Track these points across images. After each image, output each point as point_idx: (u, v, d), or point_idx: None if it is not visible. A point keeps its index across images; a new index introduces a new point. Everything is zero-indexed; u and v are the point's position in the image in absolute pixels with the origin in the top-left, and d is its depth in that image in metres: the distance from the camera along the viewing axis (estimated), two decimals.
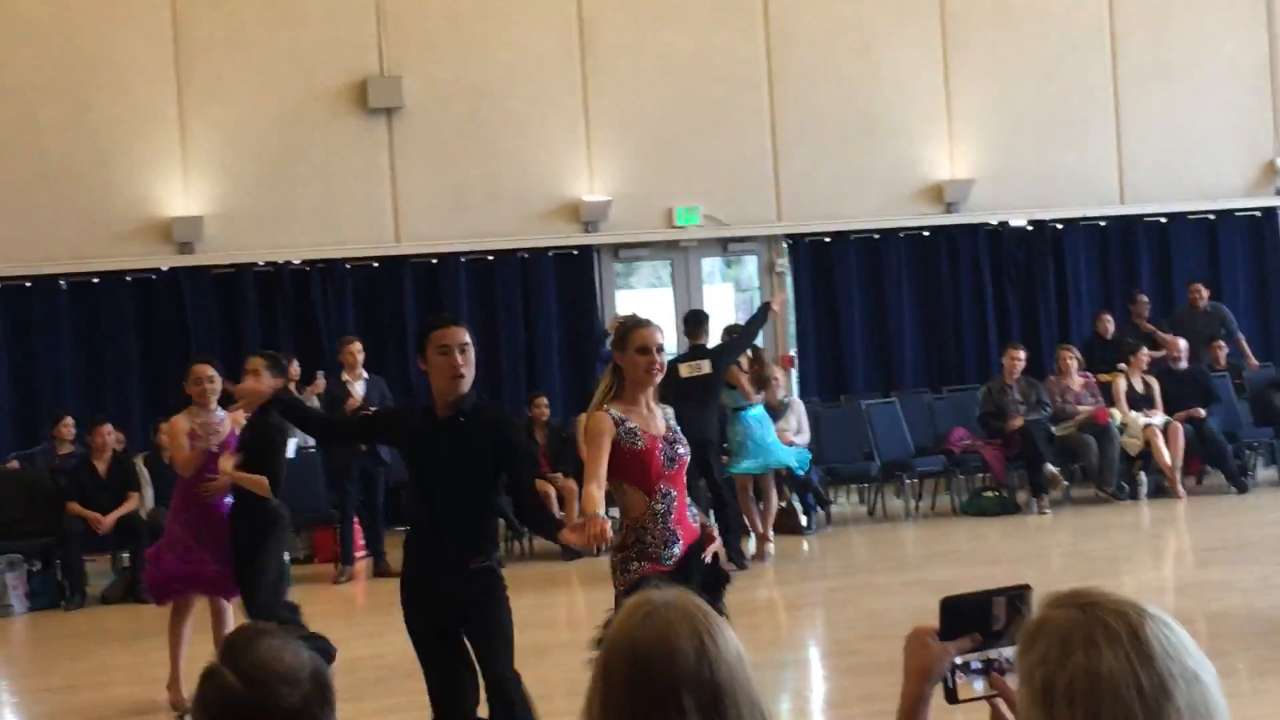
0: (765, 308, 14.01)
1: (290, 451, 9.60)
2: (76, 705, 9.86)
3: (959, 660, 2.69)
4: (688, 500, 6.71)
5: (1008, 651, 2.65)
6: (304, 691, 2.53)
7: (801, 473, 14.59)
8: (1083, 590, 2.30)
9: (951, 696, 2.70)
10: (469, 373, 6.43)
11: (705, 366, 13.43)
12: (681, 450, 6.63)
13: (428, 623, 6.47)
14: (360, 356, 14.69)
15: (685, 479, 6.70)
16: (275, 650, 2.56)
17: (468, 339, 6.48)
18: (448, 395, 6.43)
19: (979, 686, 2.68)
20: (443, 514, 6.41)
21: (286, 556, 10.47)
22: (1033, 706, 2.23)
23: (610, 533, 6.09)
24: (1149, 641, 2.19)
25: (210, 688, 2.55)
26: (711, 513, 13.35)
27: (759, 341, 15.15)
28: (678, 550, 6.48)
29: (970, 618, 2.70)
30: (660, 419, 6.63)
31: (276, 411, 8.09)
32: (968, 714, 2.81)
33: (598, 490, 6.26)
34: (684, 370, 13.33)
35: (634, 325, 6.71)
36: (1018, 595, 2.72)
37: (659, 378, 6.62)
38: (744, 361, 14.20)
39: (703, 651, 2.34)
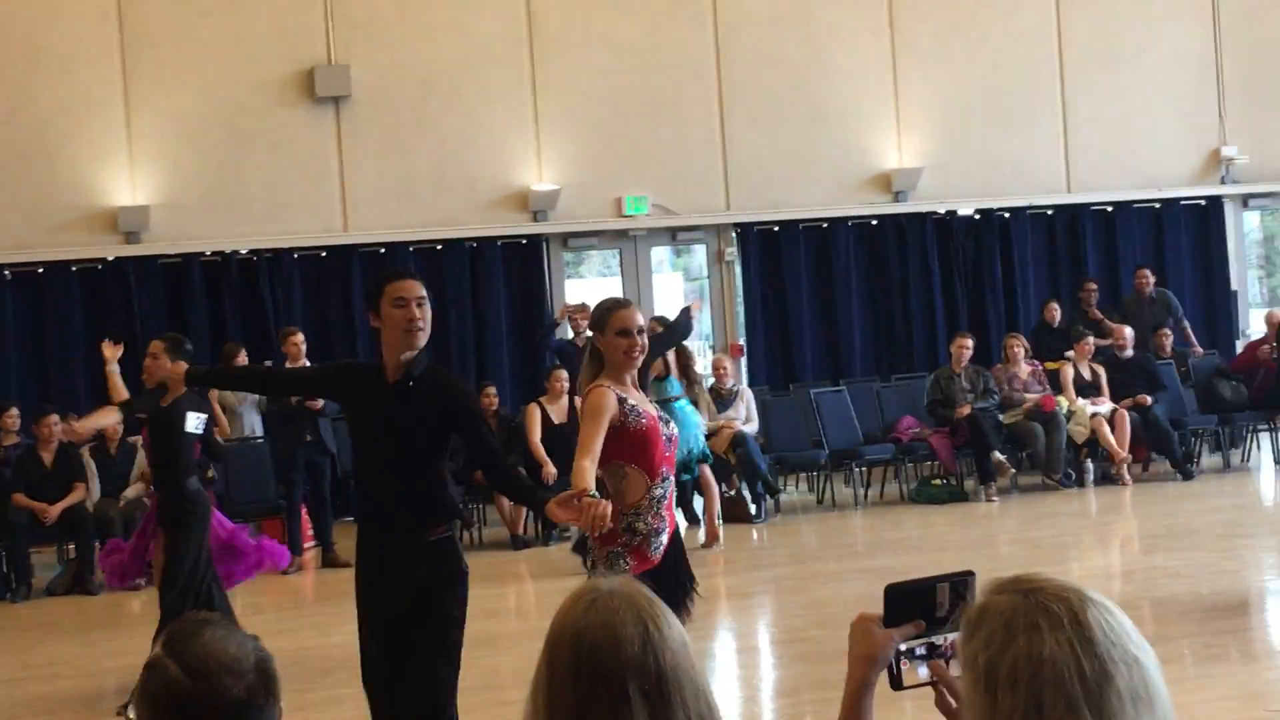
0: (686, 312, 13.93)
1: (193, 426, 9.24)
2: (23, 698, 9.79)
3: (903, 647, 2.70)
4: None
5: (952, 637, 2.67)
6: (248, 682, 2.52)
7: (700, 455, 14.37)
8: (1025, 576, 2.31)
9: (896, 683, 2.71)
10: (426, 328, 6.08)
11: None
12: (675, 430, 6.38)
13: (379, 612, 6.03)
14: (303, 347, 14.63)
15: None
16: (219, 640, 2.55)
17: (424, 293, 6.14)
18: (401, 351, 6.03)
19: (923, 673, 2.70)
20: (390, 484, 6.02)
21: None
22: (975, 692, 2.25)
23: (609, 518, 5.65)
24: (1090, 626, 2.21)
25: (154, 679, 2.54)
26: None
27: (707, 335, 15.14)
28: (664, 539, 6.22)
29: (914, 604, 2.71)
30: (648, 400, 6.36)
31: (196, 389, 7.79)
32: (913, 700, 2.83)
33: (590, 465, 5.89)
34: None
35: (612, 307, 6.37)
36: (961, 581, 2.74)
37: (640, 360, 6.28)
38: (670, 356, 14.15)
39: (647, 639, 2.34)
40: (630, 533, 6.13)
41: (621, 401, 6.12)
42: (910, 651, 2.70)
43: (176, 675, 2.51)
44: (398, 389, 6.03)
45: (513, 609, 12.48)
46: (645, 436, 6.14)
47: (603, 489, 6.14)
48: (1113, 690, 2.18)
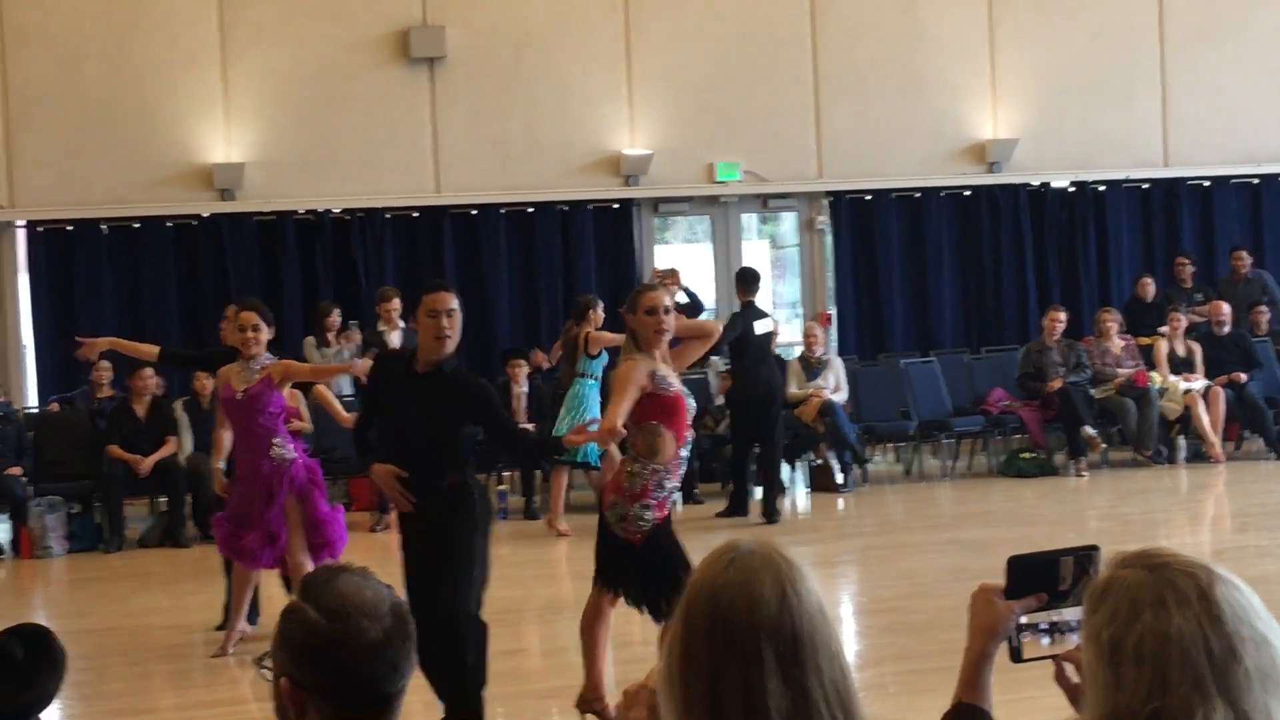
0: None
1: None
2: (115, 647, 9.94)
3: (1024, 620, 2.68)
4: None
5: (1072, 612, 2.65)
6: (385, 625, 2.55)
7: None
8: (1151, 551, 2.29)
9: (1016, 655, 2.70)
10: (454, 336, 7.07)
11: (770, 324, 13.94)
12: (694, 404, 7.21)
13: (407, 553, 7.15)
14: (397, 310, 14.83)
15: None
16: (355, 585, 2.59)
17: (455, 305, 7.09)
18: (431, 355, 7.06)
19: (1045, 644, 2.68)
20: (416, 453, 7.04)
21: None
22: (1099, 666, 2.22)
23: (618, 430, 6.72)
24: (1218, 603, 2.18)
25: (291, 624, 2.56)
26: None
27: (799, 299, 15.11)
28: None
29: (1037, 577, 2.69)
30: (675, 375, 7.07)
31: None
32: (1031, 673, 2.79)
33: (622, 416, 6.80)
34: (759, 328, 13.61)
35: (642, 290, 7.25)
36: (1085, 555, 2.71)
37: (669, 336, 7.04)
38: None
39: (784, 601, 2.31)
40: (660, 489, 6.95)
41: (651, 373, 6.88)
42: (1032, 625, 2.68)
43: (314, 618, 2.54)
44: (426, 379, 7.06)
45: None
46: (674, 402, 6.95)
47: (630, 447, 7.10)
48: (1240, 669, 2.15)
